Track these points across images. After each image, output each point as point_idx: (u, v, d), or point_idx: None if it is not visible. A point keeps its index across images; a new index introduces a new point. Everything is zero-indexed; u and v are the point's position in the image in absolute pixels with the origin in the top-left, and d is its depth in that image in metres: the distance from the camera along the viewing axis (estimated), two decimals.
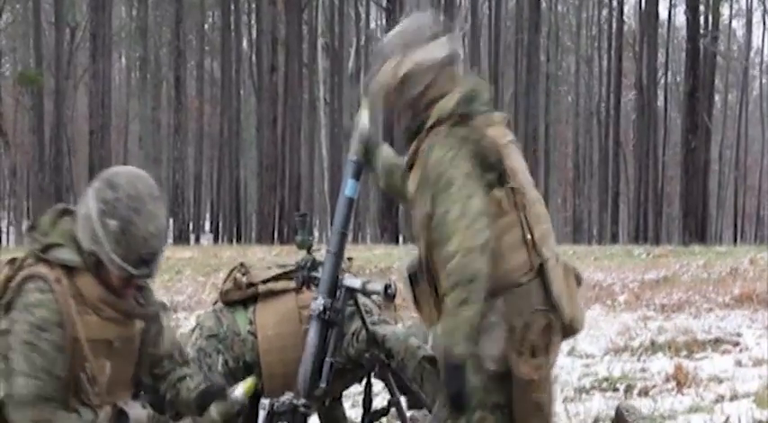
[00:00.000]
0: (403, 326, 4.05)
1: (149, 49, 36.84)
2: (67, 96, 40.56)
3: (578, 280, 3.16)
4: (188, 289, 11.96)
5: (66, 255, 3.03)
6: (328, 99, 41.44)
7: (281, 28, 36.52)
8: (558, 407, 5.04)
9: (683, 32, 39.55)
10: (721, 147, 51.44)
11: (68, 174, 41.23)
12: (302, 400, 3.36)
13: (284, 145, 37.00)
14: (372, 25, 50.92)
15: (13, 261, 3.13)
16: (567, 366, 6.67)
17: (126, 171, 3.11)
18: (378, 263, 14.71)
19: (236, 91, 42.77)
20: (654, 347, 7.45)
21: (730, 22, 54.70)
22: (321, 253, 3.64)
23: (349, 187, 3.49)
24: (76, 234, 3.03)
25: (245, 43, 47.33)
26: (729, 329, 8.18)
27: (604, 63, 47.47)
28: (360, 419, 3.89)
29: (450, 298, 2.88)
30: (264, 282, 3.90)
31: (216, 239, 43.54)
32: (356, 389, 4.10)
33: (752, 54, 56.05)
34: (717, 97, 47.55)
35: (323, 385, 3.40)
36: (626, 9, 45.13)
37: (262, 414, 3.33)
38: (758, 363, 6.65)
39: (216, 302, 4.07)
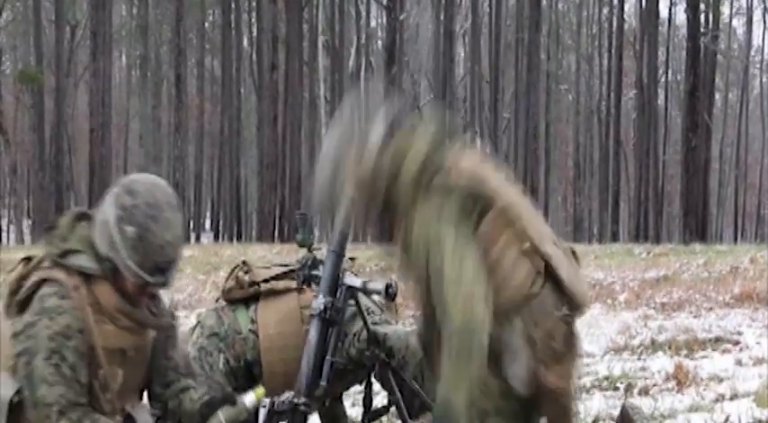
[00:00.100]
0: (404, 325, 4.05)
1: (150, 48, 36.83)
2: (68, 94, 40.56)
3: (576, 257, 3.16)
4: (188, 287, 11.98)
5: (85, 262, 3.02)
6: (329, 97, 41.41)
7: (282, 26, 36.51)
8: None
9: (684, 31, 39.59)
10: (722, 145, 51.46)
11: (69, 172, 41.26)
12: (303, 399, 3.36)
13: (285, 143, 37.01)
14: (373, 23, 50.92)
15: (27, 260, 3.11)
16: None
17: (145, 179, 3.09)
18: (378, 262, 14.68)
19: (237, 89, 42.76)
20: (654, 346, 7.45)
21: (731, 20, 54.72)
22: (322, 252, 3.64)
23: None
24: (94, 240, 3.02)
25: (245, 41, 47.32)
26: (730, 328, 8.18)
27: (605, 62, 47.44)
28: (360, 418, 3.90)
29: (451, 363, 2.86)
30: (266, 280, 3.89)
31: (216, 238, 43.52)
32: (356, 388, 4.10)
33: (752, 52, 56.12)
34: (717, 96, 47.54)
35: (323, 384, 3.40)
36: (626, 7, 45.11)
37: (262, 412, 3.32)
38: (758, 362, 6.65)
39: (218, 300, 4.07)
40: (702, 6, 33.86)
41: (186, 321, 7.52)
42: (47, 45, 37.51)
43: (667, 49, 49.54)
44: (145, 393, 3.28)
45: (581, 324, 3.08)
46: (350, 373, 3.84)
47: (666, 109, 49.74)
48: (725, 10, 49.42)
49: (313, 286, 3.75)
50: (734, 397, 5.53)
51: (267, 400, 3.33)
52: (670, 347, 7.29)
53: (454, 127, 3.11)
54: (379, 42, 49.43)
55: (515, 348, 2.93)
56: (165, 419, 3.27)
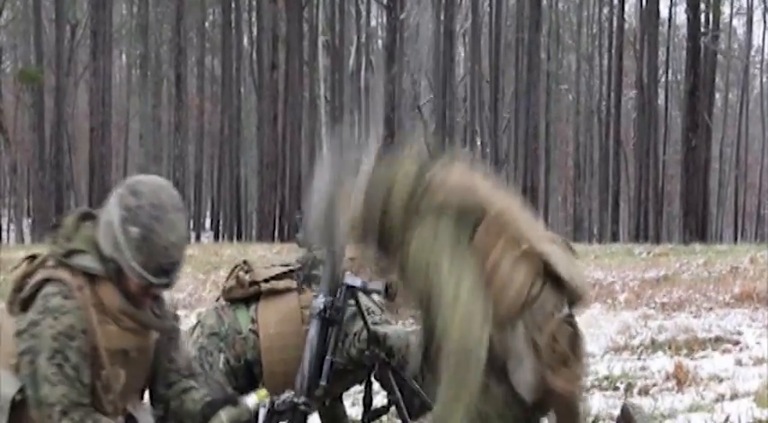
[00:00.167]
0: (404, 325, 4.05)
1: (150, 47, 36.83)
2: (68, 94, 40.55)
3: (572, 250, 3.16)
4: (188, 287, 11.98)
5: (89, 262, 3.02)
6: (329, 97, 41.43)
7: (282, 25, 36.50)
8: None
9: (684, 31, 39.57)
10: (722, 145, 51.45)
11: (69, 171, 41.24)
12: (303, 399, 3.36)
13: (285, 143, 37.00)
14: (373, 23, 50.91)
15: (32, 258, 3.12)
16: None
17: (149, 180, 3.09)
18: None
19: (237, 89, 42.75)
20: (654, 346, 7.45)
21: (731, 20, 54.68)
22: (322, 251, 3.63)
23: None
24: (98, 240, 3.03)
25: (245, 41, 47.31)
26: (730, 328, 8.19)
27: (605, 61, 47.43)
28: (360, 418, 3.90)
29: (447, 384, 2.85)
30: (267, 280, 3.90)
31: (216, 237, 43.51)
32: (356, 387, 4.10)
33: (752, 52, 56.09)
34: (717, 96, 47.52)
35: (323, 383, 3.40)
36: (627, 7, 45.07)
37: (262, 412, 3.31)
38: (758, 362, 6.65)
39: (218, 299, 4.07)
40: (703, 6, 33.84)
41: (186, 321, 7.53)
42: (47, 44, 37.51)
43: (667, 48, 49.53)
44: (146, 393, 3.28)
45: (581, 324, 3.07)
46: (350, 373, 3.84)
47: (666, 109, 49.74)
48: (725, 10, 49.42)
49: (313, 286, 3.76)
50: (734, 397, 5.53)
51: (267, 400, 3.34)
52: (670, 347, 7.29)
53: (435, 146, 3.11)
54: (380, 42, 49.43)
55: (520, 354, 2.92)
56: (167, 420, 3.27)
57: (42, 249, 3.13)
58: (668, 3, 48.95)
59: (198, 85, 46.24)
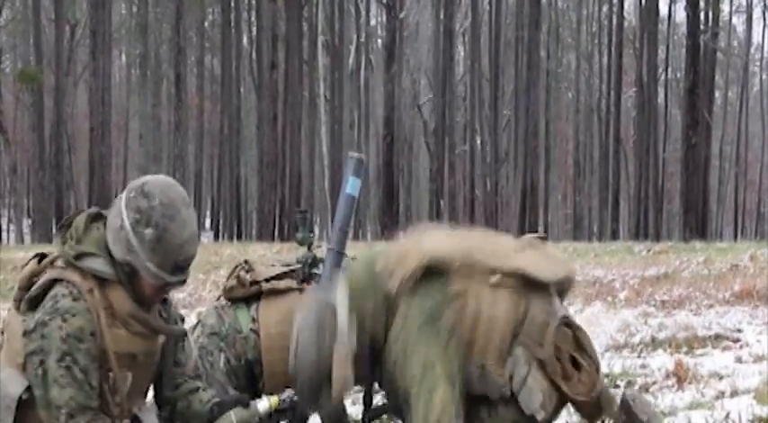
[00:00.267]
0: None
1: (149, 46, 36.80)
2: (67, 93, 40.55)
3: (541, 240, 3.18)
4: (188, 286, 11.97)
5: (100, 266, 3.01)
6: (328, 96, 41.42)
7: (282, 25, 36.50)
8: None
9: (684, 29, 39.54)
10: (722, 143, 51.47)
11: (69, 171, 41.25)
12: None
13: (284, 142, 37.00)
14: (372, 22, 50.89)
15: (41, 257, 3.11)
16: None
17: (156, 179, 3.08)
18: None
19: (237, 88, 42.75)
20: (654, 344, 7.44)
21: (730, 18, 54.68)
22: (322, 250, 3.64)
23: (350, 185, 3.50)
24: (108, 243, 3.01)
25: (245, 40, 47.31)
26: (730, 326, 8.18)
27: (605, 60, 47.43)
28: (360, 417, 3.90)
29: None
30: (268, 280, 3.90)
31: (216, 237, 43.53)
32: (356, 386, 4.10)
33: (752, 50, 56.12)
34: (717, 93, 47.53)
35: None
36: (626, 5, 45.09)
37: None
38: (758, 359, 6.64)
39: (219, 299, 4.07)
40: (702, 4, 33.84)
41: (187, 320, 7.53)
42: (46, 44, 37.52)
43: (667, 46, 49.51)
44: (150, 394, 3.28)
45: (581, 322, 3.07)
46: None
47: (666, 107, 49.72)
48: (725, 7, 49.43)
49: (313, 284, 3.75)
50: (734, 394, 5.52)
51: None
52: (670, 345, 7.28)
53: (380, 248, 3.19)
54: (379, 41, 49.44)
55: (525, 375, 2.93)
56: (173, 421, 3.27)
57: (42, 249, 3.12)
58: (668, 1, 48.98)
59: (198, 85, 46.26)
